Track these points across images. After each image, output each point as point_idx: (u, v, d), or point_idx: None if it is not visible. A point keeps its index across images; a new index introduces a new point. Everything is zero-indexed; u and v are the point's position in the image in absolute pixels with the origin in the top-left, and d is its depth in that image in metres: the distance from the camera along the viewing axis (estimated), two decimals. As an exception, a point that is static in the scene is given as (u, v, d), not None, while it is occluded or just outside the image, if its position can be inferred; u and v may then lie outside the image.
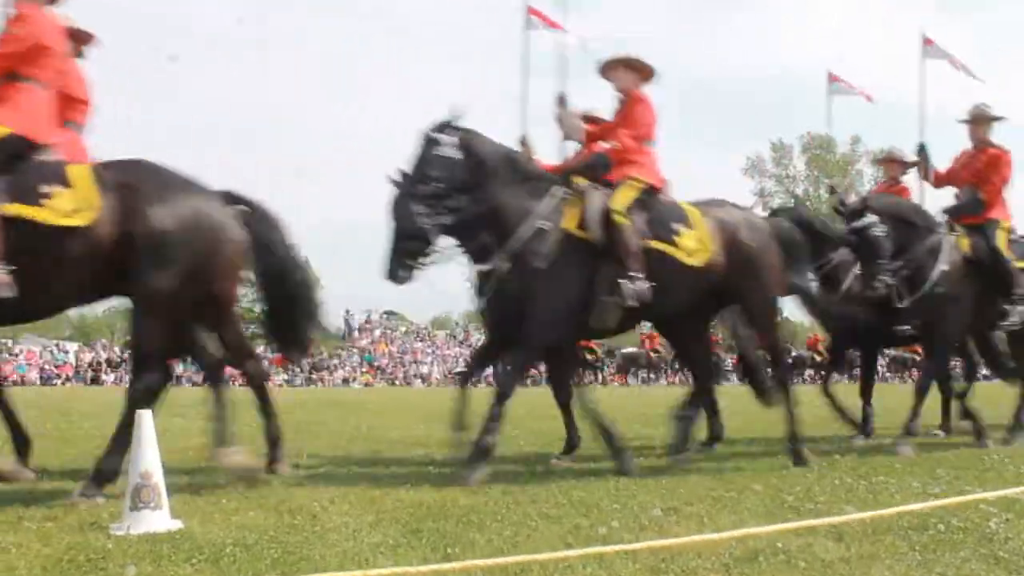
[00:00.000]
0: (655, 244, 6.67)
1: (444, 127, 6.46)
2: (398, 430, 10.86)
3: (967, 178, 8.90)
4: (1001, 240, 8.48)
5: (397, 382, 35.66)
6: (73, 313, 49.54)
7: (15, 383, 32.34)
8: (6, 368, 34.68)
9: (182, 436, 9.41)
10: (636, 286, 6.43)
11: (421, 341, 41.97)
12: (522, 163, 6.79)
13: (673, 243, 6.73)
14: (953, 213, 8.70)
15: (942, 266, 8.07)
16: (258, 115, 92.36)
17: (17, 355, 37.46)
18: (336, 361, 37.08)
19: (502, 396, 6.31)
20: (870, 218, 7.95)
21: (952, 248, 8.27)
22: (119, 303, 6.52)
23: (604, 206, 6.52)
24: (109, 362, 35.67)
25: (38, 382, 33.53)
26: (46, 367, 35.64)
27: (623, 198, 6.61)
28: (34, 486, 6.00)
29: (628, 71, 7.08)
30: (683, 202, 7.19)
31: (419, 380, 36.23)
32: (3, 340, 41.18)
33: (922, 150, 9.31)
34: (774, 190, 66.07)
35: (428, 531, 4.49)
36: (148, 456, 4.62)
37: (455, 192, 6.36)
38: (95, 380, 34.09)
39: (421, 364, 38.07)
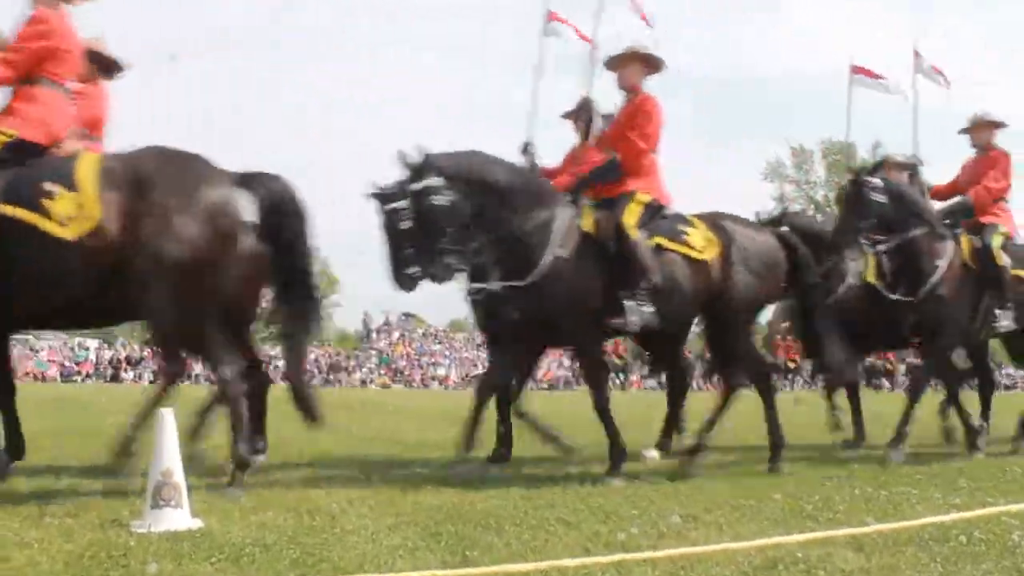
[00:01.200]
0: (9, 210, 5.26)
1: None
2: (416, 432, 10.87)
3: (611, 140, 7.37)
4: (631, 215, 6.70)
5: (414, 384, 35.71)
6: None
7: (36, 379, 32.59)
8: (27, 364, 34.94)
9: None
10: None
11: (439, 343, 41.99)
12: None
13: (39, 209, 5.24)
14: (584, 184, 7.11)
15: (556, 250, 6.38)
16: (274, 116, 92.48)
17: (38, 352, 37.71)
18: (353, 362, 37.19)
19: None
20: (430, 180, 6.17)
21: (569, 227, 6.55)
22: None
23: None
24: (129, 359, 35.84)
25: (58, 379, 33.69)
26: (66, 364, 35.82)
27: None
28: (55, 482, 6.04)
29: None
30: (91, 156, 5.59)
31: (436, 382, 36.26)
32: (24, 337, 41.46)
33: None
34: (794, 195, 66.01)
35: (447, 534, 4.49)
36: (169, 454, 4.64)
37: None
38: (115, 378, 34.26)
39: (439, 366, 38.08)
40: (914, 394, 8.21)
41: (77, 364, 36.15)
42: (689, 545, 4.30)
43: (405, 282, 6.35)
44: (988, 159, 8.75)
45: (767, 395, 7.41)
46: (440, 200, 6.14)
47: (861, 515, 5.17)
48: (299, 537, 4.37)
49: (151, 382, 31.73)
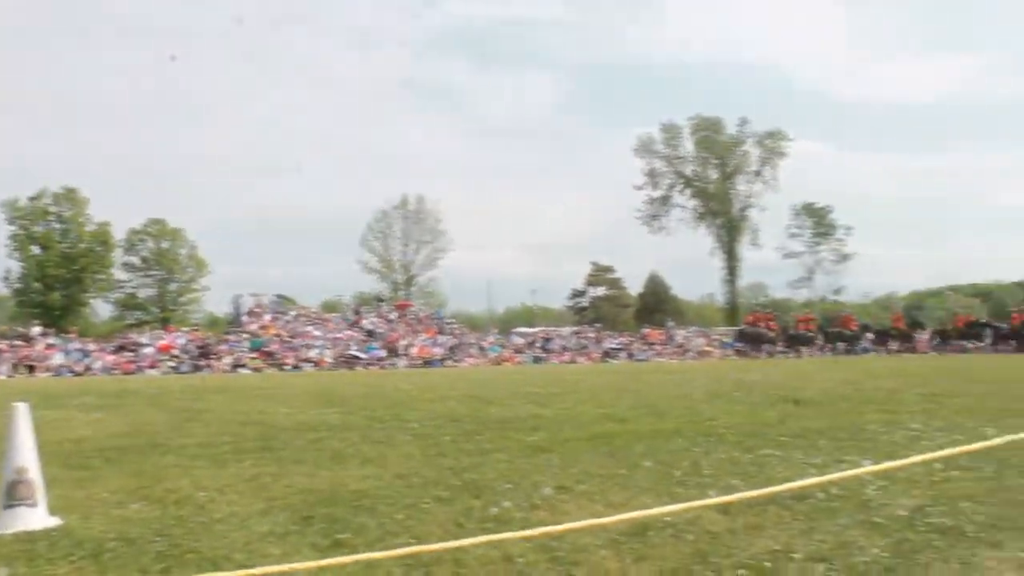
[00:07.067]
0: None
1: None
2: (289, 415, 10.69)
3: None
4: None
5: (287, 367, 35.06)
6: None
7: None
8: None
9: (62, 427, 9.09)
10: None
11: (312, 325, 41.29)
12: None
13: None
14: None
15: None
16: (151, 99, 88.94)
17: None
18: (225, 346, 36.22)
19: None
20: None
21: None
22: None
23: None
24: None
25: None
26: None
27: None
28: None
29: None
30: None
31: (310, 364, 35.68)
32: None
33: None
34: (664, 170, 67.46)
35: (319, 517, 4.43)
36: (24, 450, 4.44)
37: None
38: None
39: (312, 348, 37.45)
40: None
41: None
42: (562, 517, 4.35)
43: None
44: None
45: None
46: None
47: (727, 478, 5.32)
48: (166, 529, 4.24)
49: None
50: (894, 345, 41.92)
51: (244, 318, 41.01)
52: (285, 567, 3.45)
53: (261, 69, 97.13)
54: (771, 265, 76.29)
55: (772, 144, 66.21)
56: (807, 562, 3.52)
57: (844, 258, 68.17)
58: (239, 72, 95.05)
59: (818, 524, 4.10)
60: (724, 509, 4.39)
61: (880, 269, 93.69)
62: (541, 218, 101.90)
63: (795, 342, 42.68)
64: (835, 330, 44.41)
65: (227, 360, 34.46)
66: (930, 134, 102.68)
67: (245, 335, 37.99)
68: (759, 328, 43.42)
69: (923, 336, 42.64)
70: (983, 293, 78.63)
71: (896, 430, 7.52)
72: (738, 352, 43.61)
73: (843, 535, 3.89)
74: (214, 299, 63.92)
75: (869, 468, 5.23)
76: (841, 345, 42.83)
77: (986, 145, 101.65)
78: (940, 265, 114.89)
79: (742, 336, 44.11)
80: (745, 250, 67.53)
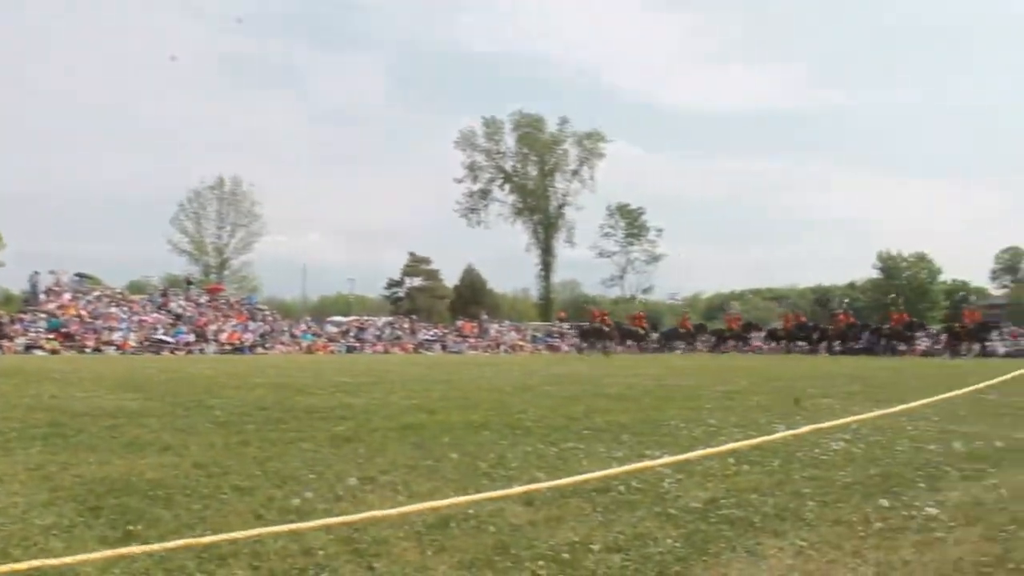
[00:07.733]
0: None
1: None
2: (85, 400, 10.17)
3: None
4: None
5: (88, 349, 33.41)
6: None
7: None
8: None
9: None
10: None
11: (116, 306, 39.43)
12: None
13: None
14: None
15: None
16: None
17: None
18: (18, 326, 34.13)
19: None
20: None
21: None
22: None
23: None
24: None
25: None
26: None
27: None
28: None
29: None
30: None
31: (113, 347, 34.11)
32: None
33: None
34: (484, 164, 68.01)
35: (109, 508, 4.23)
36: None
37: None
38: None
39: (115, 330, 35.81)
40: None
41: None
42: (366, 508, 4.29)
43: None
44: None
45: None
46: None
47: (533, 471, 5.39)
48: (-68, 522, 3.94)
49: None
50: (730, 345, 43.79)
51: (41, 296, 38.72)
52: (69, 559, 3.24)
53: (67, 35, 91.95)
54: (585, 263, 78.39)
55: (591, 144, 67.99)
56: (604, 553, 3.61)
57: (655, 259, 70.98)
58: (43, 37, 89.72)
59: (617, 516, 4.21)
60: (527, 501, 4.45)
61: (686, 270, 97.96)
62: (362, 205, 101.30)
63: (628, 338, 43.94)
64: (669, 328, 46.14)
65: (20, 341, 32.50)
66: (740, 141, 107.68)
67: (42, 315, 35.88)
68: (597, 324, 44.45)
69: (759, 336, 44.71)
70: (779, 296, 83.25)
71: (696, 426, 7.83)
72: (550, 348, 44.54)
73: (640, 527, 4.01)
74: (8, 275, 60.04)
75: (666, 460, 5.41)
76: (679, 343, 44.48)
77: (790, 154, 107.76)
78: (740, 268, 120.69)
79: (582, 332, 44.99)
80: (560, 247, 69.24)
